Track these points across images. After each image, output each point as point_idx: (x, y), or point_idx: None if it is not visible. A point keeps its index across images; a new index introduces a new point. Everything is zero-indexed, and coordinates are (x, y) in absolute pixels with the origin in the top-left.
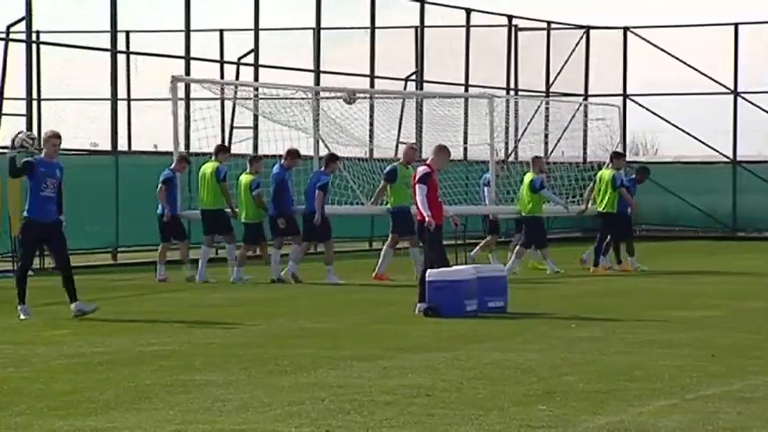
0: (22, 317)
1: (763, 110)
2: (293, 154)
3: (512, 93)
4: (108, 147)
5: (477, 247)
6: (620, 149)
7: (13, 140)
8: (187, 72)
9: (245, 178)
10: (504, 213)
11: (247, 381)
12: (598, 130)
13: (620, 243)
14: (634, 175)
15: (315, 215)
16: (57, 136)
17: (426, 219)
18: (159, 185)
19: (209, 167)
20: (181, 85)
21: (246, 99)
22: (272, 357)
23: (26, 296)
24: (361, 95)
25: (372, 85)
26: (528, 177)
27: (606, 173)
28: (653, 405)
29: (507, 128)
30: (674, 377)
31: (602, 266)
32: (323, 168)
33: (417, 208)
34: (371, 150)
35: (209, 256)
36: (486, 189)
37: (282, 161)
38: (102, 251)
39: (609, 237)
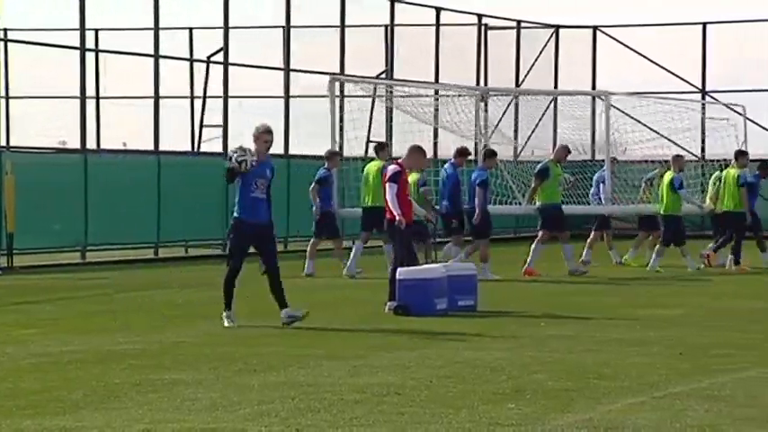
0: (225, 324)
1: (732, 109)
2: (463, 152)
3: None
4: (77, 145)
5: (587, 248)
6: (744, 148)
7: (230, 158)
8: (156, 71)
9: (411, 176)
10: (621, 213)
11: (217, 380)
12: (724, 129)
13: (741, 242)
14: (757, 172)
15: (476, 212)
16: (268, 131)
17: (397, 217)
18: (313, 184)
19: (373, 166)
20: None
21: (380, 97)
22: (241, 356)
23: (233, 302)
24: (497, 94)
25: (342, 84)
26: (668, 176)
27: (731, 171)
28: (621, 403)
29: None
30: (643, 375)
31: (742, 266)
32: (480, 165)
33: (387, 206)
34: (515, 149)
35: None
36: (601, 186)
37: (453, 159)
38: (71, 250)
39: (735, 234)
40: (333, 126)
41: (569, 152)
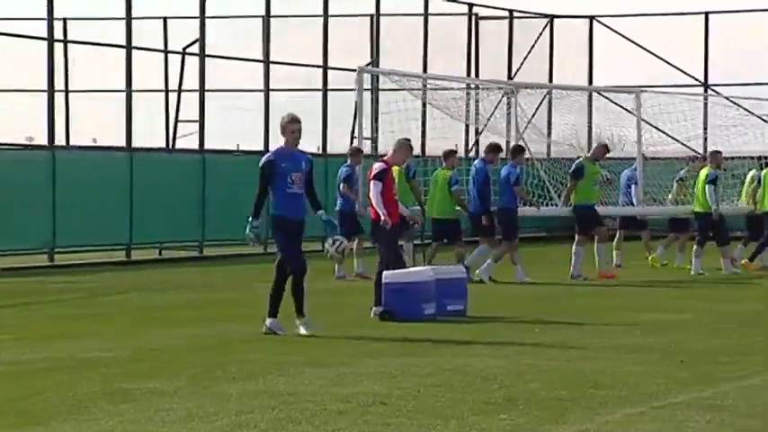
0: (266, 327)
1: (735, 103)
2: (495, 148)
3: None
4: (44, 141)
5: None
6: None
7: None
8: (129, 62)
9: (442, 174)
10: (653, 214)
11: (193, 389)
12: (759, 126)
13: None
14: None
15: (507, 211)
16: (294, 120)
17: (382, 217)
18: (341, 184)
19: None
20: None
21: (416, 90)
22: (219, 364)
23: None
24: (531, 87)
25: (325, 77)
26: (704, 173)
27: None
28: (619, 413)
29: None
30: (642, 384)
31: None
32: (510, 162)
33: (371, 206)
34: (548, 146)
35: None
36: (633, 188)
37: (484, 155)
38: (39, 252)
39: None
40: (359, 121)
41: (608, 150)
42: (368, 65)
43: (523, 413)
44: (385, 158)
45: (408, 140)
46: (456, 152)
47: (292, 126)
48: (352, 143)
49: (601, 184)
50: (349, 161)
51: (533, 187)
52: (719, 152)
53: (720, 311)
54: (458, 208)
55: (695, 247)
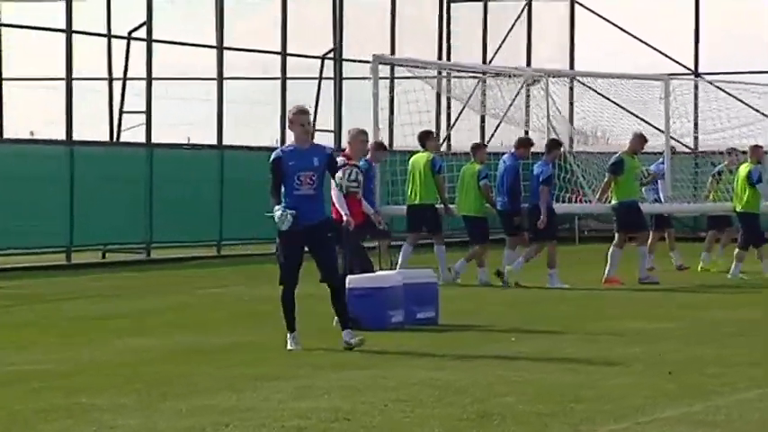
0: (289, 347)
1: (728, 93)
2: (526, 143)
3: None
4: None
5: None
6: None
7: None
8: (69, 48)
9: (470, 168)
10: (687, 211)
11: (138, 404)
12: None
13: None
14: None
15: (539, 211)
16: (302, 111)
17: (344, 218)
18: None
19: (420, 158)
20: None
21: (429, 78)
22: (166, 377)
23: (295, 322)
24: (554, 76)
25: (284, 64)
26: (744, 169)
27: None
28: (602, 429)
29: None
30: (626, 397)
31: None
32: (544, 157)
33: (333, 206)
34: (570, 138)
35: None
36: (660, 183)
37: (513, 150)
38: None
39: None
40: (375, 113)
41: (645, 141)
42: (330, 51)
43: (498, 429)
44: (346, 152)
45: (363, 131)
46: (485, 146)
47: (300, 118)
48: (313, 136)
49: (641, 179)
50: (369, 156)
51: (564, 182)
52: (760, 146)
53: (712, 319)
54: (487, 205)
55: (737, 250)
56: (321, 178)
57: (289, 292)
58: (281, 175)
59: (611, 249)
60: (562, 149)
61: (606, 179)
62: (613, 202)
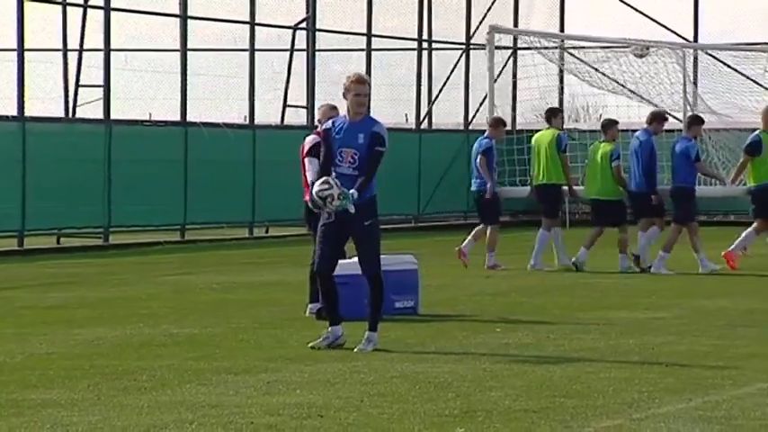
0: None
1: (728, 65)
2: (659, 117)
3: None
4: None
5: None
6: None
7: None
8: (20, 16)
9: (601, 148)
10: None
11: (97, 400)
12: None
13: None
14: None
15: (684, 190)
16: (360, 81)
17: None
18: (478, 156)
19: (545, 136)
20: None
21: (545, 49)
22: (127, 371)
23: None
24: (657, 48)
25: (253, 35)
26: None
27: None
28: (594, 426)
29: None
30: (620, 392)
31: None
32: (684, 134)
33: (307, 186)
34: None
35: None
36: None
37: (647, 125)
38: None
39: None
40: (491, 88)
41: None
42: (302, 21)
43: (483, 426)
44: (319, 130)
45: (334, 106)
46: (617, 123)
47: (356, 88)
48: (284, 112)
49: None
50: (487, 132)
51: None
52: None
53: (708, 309)
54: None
55: None
56: (368, 158)
57: (316, 274)
58: (326, 146)
59: (747, 230)
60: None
61: (741, 160)
62: (750, 184)
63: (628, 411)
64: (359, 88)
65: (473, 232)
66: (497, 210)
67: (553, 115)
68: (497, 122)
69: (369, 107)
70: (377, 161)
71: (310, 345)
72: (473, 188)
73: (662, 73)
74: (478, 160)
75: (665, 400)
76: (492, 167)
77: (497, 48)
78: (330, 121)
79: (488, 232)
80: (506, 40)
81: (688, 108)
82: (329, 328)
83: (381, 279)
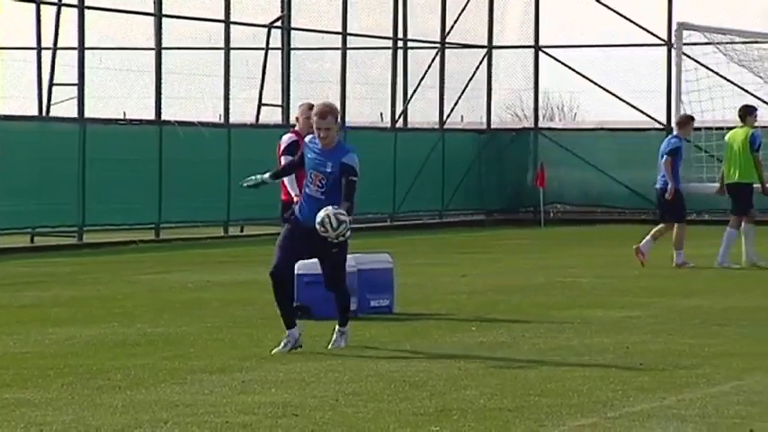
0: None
1: (704, 65)
2: (749, 109)
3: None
4: None
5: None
6: None
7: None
8: None
9: (741, 134)
10: None
11: (71, 399)
12: None
13: None
14: None
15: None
16: (312, 107)
17: (294, 198)
18: (664, 156)
19: (739, 134)
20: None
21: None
22: (101, 370)
23: (293, 319)
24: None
25: (228, 34)
26: None
27: None
28: (569, 425)
29: None
30: (595, 391)
31: None
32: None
33: (283, 185)
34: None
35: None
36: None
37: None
38: None
39: None
40: (678, 84)
41: None
42: (277, 19)
43: (458, 425)
44: (296, 128)
45: (312, 105)
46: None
47: (316, 122)
48: (259, 110)
49: None
50: (675, 131)
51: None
52: None
53: (683, 308)
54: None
55: None
56: (334, 184)
57: (275, 286)
58: (300, 157)
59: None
60: None
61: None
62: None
63: (602, 410)
64: (318, 123)
65: (653, 231)
66: (681, 207)
67: (747, 113)
68: (685, 120)
69: (344, 118)
70: (353, 189)
71: (273, 352)
72: (657, 185)
73: None
74: (664, 160)
75: (640, 398)
76: (677, 168)
77: (469, 47)
78: (309, 137)
79: (675, 230)
80: (482, 39)
81: None
82: (286, 332)
83: (347, 290)
